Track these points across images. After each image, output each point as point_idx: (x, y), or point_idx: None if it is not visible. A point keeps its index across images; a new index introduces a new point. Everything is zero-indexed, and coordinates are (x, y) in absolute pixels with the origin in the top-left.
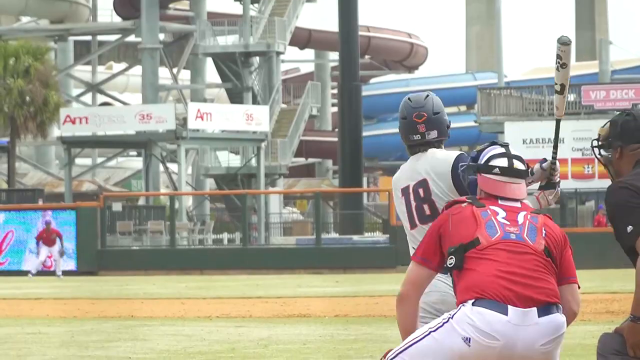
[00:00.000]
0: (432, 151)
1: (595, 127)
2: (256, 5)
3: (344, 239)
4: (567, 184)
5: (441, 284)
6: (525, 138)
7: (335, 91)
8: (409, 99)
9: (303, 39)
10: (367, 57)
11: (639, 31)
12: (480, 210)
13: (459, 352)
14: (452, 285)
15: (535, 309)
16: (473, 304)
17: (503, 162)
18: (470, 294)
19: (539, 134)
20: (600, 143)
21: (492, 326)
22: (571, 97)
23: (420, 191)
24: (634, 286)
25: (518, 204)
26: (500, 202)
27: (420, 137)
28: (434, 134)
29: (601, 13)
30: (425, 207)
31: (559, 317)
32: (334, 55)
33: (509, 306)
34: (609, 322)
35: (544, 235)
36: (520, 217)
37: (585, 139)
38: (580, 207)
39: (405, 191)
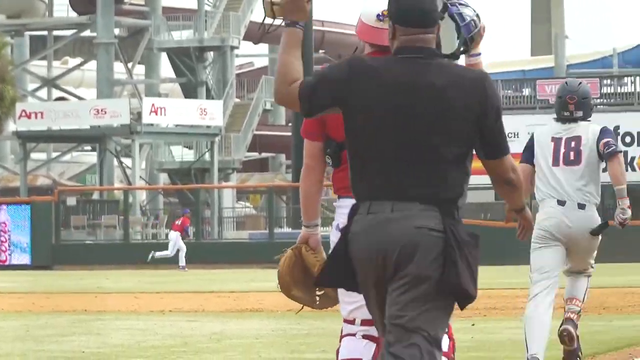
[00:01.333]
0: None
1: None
2: (211, 0)
3: (297, 233)
4: None
5: (552, 210)
6: None
7: None
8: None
9: (257, 33)
10: (321, 51)
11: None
12: None
13: None
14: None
15: None
16: None
17: None
18: None
19: None
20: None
21: None
22: (526, 92)
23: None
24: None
25: None
26: None
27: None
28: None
29: (557, 7)
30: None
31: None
32: None
33: None
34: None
35: None
36: None
37: None
38: (534, 201)
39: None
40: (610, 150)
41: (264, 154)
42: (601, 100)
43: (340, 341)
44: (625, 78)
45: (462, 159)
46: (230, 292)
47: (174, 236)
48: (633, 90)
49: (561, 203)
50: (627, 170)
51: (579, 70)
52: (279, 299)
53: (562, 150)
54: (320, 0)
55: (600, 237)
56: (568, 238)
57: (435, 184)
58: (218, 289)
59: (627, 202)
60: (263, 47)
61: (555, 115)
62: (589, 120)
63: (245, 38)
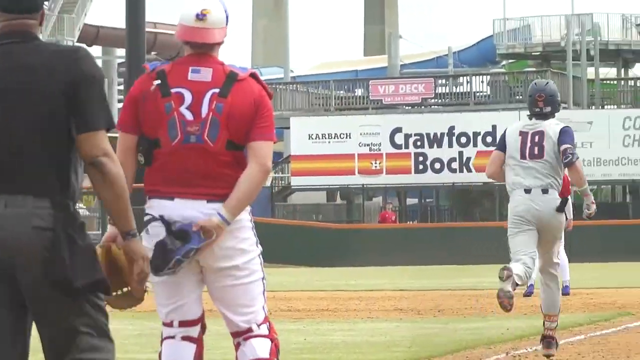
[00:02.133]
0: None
1: (383, 122)
2: (46, 2)
3: None
4: (355, 180)
5: (521, 198)
6: (311, 133)
7: (122, 87)
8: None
9: (91, 35)
10: (153, 53)
11: (429, 25)
12: (165, 102)
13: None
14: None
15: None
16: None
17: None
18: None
19: (325, 129)
20: None
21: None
22: (359, 92)
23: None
24: (424, 282)
25: (209, 75)
26: (190, 74)
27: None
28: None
29: (391, 7)
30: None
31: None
32: (120, 52)
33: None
34: (398, 319)
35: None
36: (205, 106)
37: (373, 134)
38: (367, 203)
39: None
40: (567, 160)
41: None
42: (436, 100)
43: (161, 345)
44: (461, 78)
45: (66, 144)
46: None
47: None
48: (468, 90)
49: (527, 191)
50: (462, 171)
51: (413, 70)
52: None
53: (528, 144)
54: (153, 2)
55: (565, 217)
56: (538, 219)
57: (43, 173)
58: None
59: (591, 198)
60: (97, 50)
61: (529, 114)
62: (554, 116)
63: (79, 40)
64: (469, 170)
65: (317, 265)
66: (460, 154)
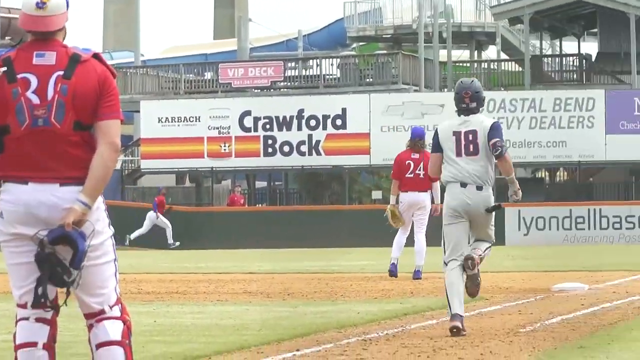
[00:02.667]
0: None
1: (232, 105)
2: None
3: None
4: (204, 163)
5: (457, 192)
6: (161, 117)
7: None
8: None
9: None
10: (7, 38)
11: (280, 8)
12: (11, 88)
13: None
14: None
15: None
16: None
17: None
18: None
19: (175, 112)
20: None
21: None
22: (208, 75)
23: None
24: (273, 265)
25: (53, 58)
26: (35, 59)
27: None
28: None
29: None
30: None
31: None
32: None
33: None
34: (247, 302)
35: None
36: (51, 88)
37: (222, 117)
38: (217, 185)
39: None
40: (497, 153)
41: None
42: (285, 83)
43: (15, 326)
44: (310, 61)
45: None
46: None
47: (153, 216)
48: (318, 73)
49: (463, 185)
50: (312, 154)
51: (263, 53)
52: None
53: (463, 142)
54: None
55: (494, 214)
56: (469, 214)
57: None
58: None
59: (517, 185)
60: None
61: (456, 110)
62: (480, 111)
63: None
64: (318, 154)
65: (167, 247)
66: (310, 137)
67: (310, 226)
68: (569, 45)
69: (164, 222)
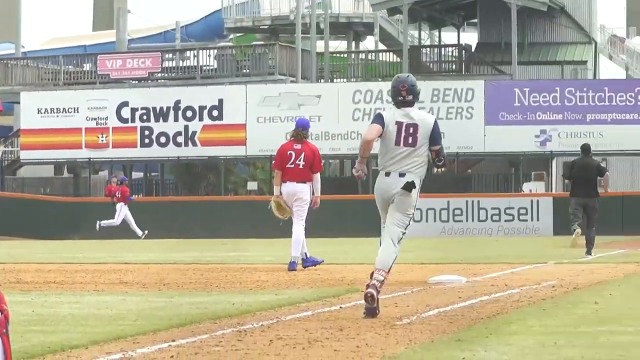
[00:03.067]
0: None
1: (110, 96)
2: None
3: None
4: (81, 154)
5: (381, 179)
6: (40, 108)
7: None
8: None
9: None
10: None
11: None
12: None
13: None
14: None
15: None
16: None
17: None
18: None
19: (54, 103)
20: None
21: None
22: (87, 67)
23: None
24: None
25: None
26: None
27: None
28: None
29: None
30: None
31: None
32: None
33: None
34: (123, 292)
35: None
36: None
37: (99, 108)
38: (94, 176)
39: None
40: (441, 164)
41: None
42: (162, 74)
43: None
44: (188, 52)
45: None
46: None
47: (119, 207)
48: (195, 64)
49: (388, 174)
50: (188, 145)
51: (141, 45)
52: None
53: (403, 134)
54: None
55: (412, 196)
56: (389, 199)
57: None
58: None
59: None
60: None
61: (393, 102)
62: (415, 104)
63: None
64: (195, 145)
65: (45, 237)
66: (186, 128)
67: (186, 217)
68: (449, 36)
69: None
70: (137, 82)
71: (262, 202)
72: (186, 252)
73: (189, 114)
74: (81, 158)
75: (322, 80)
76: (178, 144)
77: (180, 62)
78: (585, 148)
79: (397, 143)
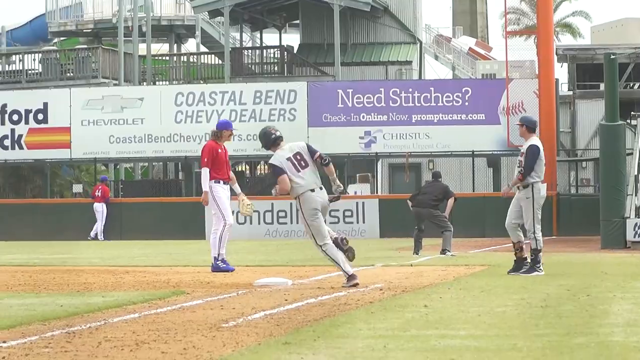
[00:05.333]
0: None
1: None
2: None
3: None
4: None
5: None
6: None
7: None
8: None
9: None
10: None
11: None
12: None
13: None
14: (317, 192)
15: None
16: None
17: None
18: None
19: None
20: None
21: None
22: None
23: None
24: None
25: None
26: None
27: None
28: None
29: None
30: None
31: None
32: None
33: None
34: None
35: None
36: None
37: None
38: None
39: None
40: (326, 162)
41: None
42: None
43: None
44: (13, 56)
45: None
46: None
47: (100, 207)
48: (21, 68)
49: (312, 190)
50: (14, 148)
51: None
52: None
53: (296, 163)
54: None
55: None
56: (322, 207)
57: None
58: None
59: (338, 181)
60: None
61: (271, 145)
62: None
63: None
64: (21, 148)
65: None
66: (13, 131)
67: (12, 219)
68: (271, 37)
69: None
70: None
71: (86, 204)
72: (13, 254)
73: (15, 117)
74: None
75: (145, 83)
76: (5, 147)
77: (6, 66)
78: (435, 173)
79: (298, 170)
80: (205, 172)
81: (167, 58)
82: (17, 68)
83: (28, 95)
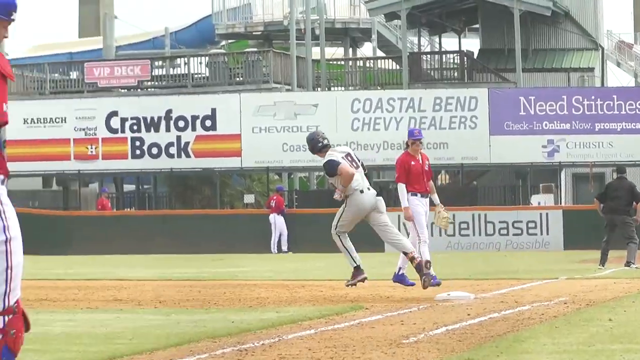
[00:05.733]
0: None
1: (98, 105)
2: None
3: None
4: (70, 166)
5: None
6: (26, 117)
7: None
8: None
9: None
10: None
11: (145, 4)
12: None
13: None
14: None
15: None
16: None
17: None
18: None
19: (41, 113)
20: None
21: None
22: (74, 75)
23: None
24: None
25: None
26: None
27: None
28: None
29: None
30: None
31: None
32: None
33: None
34: (118, 310)
35: None
36: None
37: (88, 118)
38: (84, 189)
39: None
40: (366, 171)
41: None
42: (152, 82)
43: None
44: (178, 59)
45: None
46: None
47: (272, 219)
48: (186, 71)
49: (362, 191)
50: (180, 156)
51: (129, 52)
52: None
53: (349, 163)
54: None
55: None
56: (370, 207)
57: None
58: None
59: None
60: None
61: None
62: None
63: None
64: (188, 156)
65: (35, 253)
66: (179, 138)
67: (180, 231)
68: (449, 42)
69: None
70: (126, 90)
71: (258, 215)
72: (181, 268)
73: (181, 123)
74: (70, 170)
75: (319, 89)
76: (170, 155)
77: (171, 69)
78: (620, 169)
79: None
80: (401, 188)
81: (342, 62)
82: (183, 72)
83: (194, 100)
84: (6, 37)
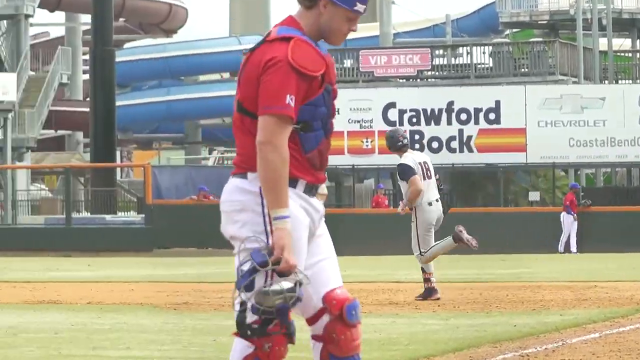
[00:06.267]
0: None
1: (375, 96)
2: None
3: (96, 218)
4: (344, 160)
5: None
6: None
7: (87, 57)
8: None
9: (53, 0)
10: (121, 19)
11: None
12: None
13: None
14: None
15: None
16: None
17: None
18: None
19: None
20: None
21: None
22: (348, 63)
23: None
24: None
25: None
26: None
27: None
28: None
29: None
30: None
31: (231, 181)
32: (86, 18)
33: None
34: (393, 314)
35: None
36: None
37: (363, 109)
38: (358, 185)
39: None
40: (441, 186)
41: (60, 132)
42: (433, 72)
43: None
44: (460, 48)
45: None
46: (25, 282)
47: (561, 218)
48: (469, 61)
49: (430, 204)
50: (463, 151)
51: (408, 40)
52: (77, 290)
53: (424, 171)
54: None
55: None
56: (437, 219)
57: None
58: (12, 278)
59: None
60: (59, 16)
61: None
62: None
63: (41, 5)
64: (470, 150)
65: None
66: (460, 132)
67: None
68: None
69: None
70: (404, 80)
71: (544, 213)
72: (463, 269)
73: (463, 116)
74: (343, 165)
75: (606, 82)
76: (452, 150)
77: (452, 59)
78: None
79: (423, 178)
80: None
81: (630, 55)
82: (465, 62)
83: (477, 92)
84: (354, 30)
